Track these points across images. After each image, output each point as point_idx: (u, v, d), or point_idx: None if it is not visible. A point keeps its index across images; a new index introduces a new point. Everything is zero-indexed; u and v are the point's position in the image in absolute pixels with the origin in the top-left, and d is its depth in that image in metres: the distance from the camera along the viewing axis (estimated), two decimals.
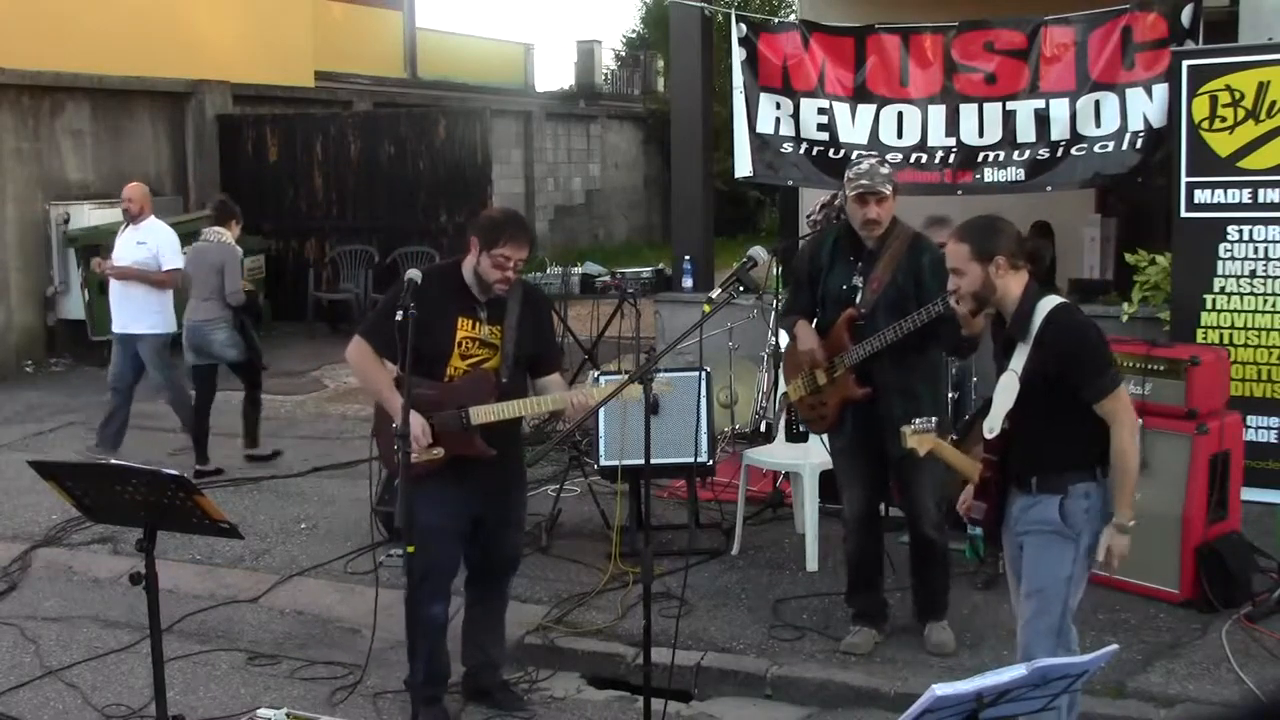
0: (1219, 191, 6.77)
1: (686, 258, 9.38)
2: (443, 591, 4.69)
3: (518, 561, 5.04)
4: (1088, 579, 4.10)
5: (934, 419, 4.19)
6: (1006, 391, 3.99)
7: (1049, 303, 3.97)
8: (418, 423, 4.44)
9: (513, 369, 4.64)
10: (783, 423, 6.71)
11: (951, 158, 8.07)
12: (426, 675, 4.59)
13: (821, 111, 8.43)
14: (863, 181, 5.05)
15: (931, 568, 5.24)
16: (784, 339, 7.70)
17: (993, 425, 4.03)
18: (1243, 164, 6.69)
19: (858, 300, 5.08)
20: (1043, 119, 7.81)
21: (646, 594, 4.19)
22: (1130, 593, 5.57)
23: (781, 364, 5.61)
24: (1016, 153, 7.92)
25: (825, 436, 5.57)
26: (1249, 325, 6.74)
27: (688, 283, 9.31)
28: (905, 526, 6.37)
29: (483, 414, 4.52)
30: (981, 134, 8.01)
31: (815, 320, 5.26)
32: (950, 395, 6.40)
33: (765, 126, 8.62)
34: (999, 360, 4.09)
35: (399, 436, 4.14)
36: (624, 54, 29.13)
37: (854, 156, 8.33)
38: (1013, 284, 3.97)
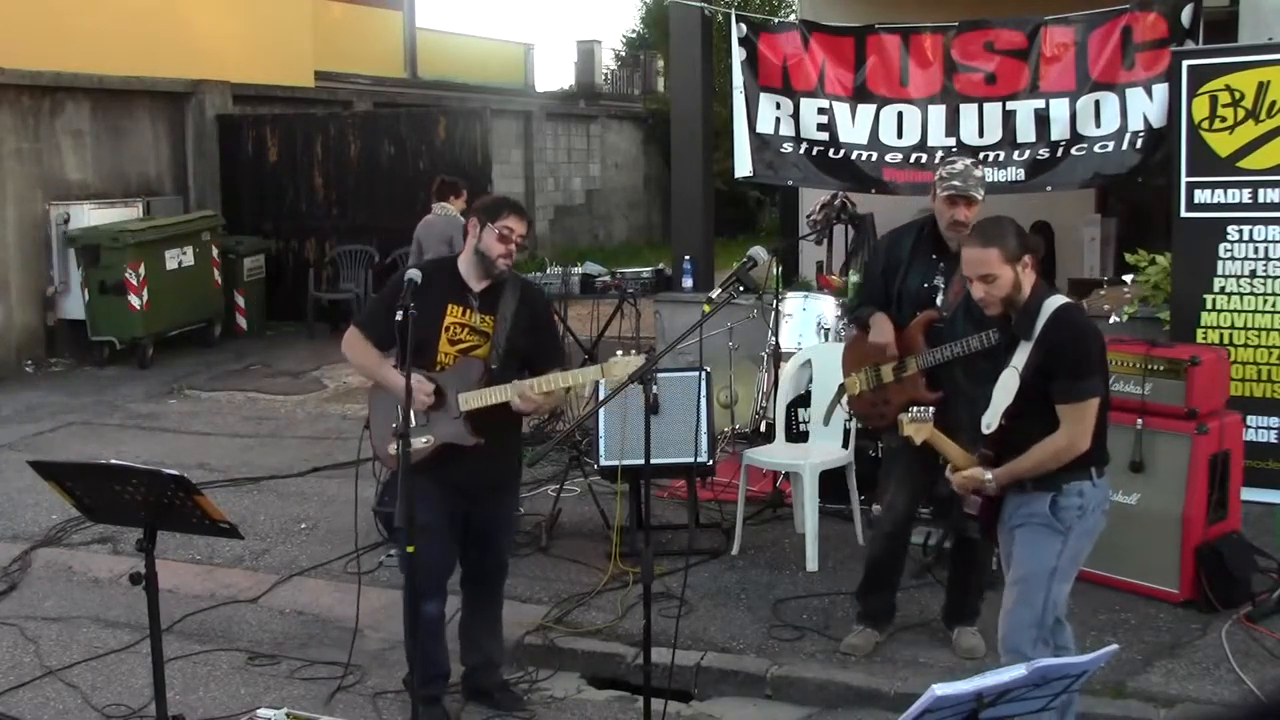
0: (1219, 191, 6.77)
1: (686, 258, 9.38)
2: (435, 590, 4.67)
3: (506, 565, 5.02)
4: (1076, 576, 4.10)
5: (930, 408, 4.15)
6: (1006, 388, 3.99)
7: (1055, 301, 3.98)
8: (416, 378, 4.41)
9: (504, 358, 4.62)
10: (782, 423, 6.71)
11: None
12: (425, 675, 4.59)
13: (821, 111, 8.43)
14: (955, 183, 4.95)
15: (971, 570, 5.22)
16: (791, 340, 7.76)
17: (990, 421, 4.03)
18: (1243, 164, 6.69)
19: (939, 301, 4.98)
20: (1043, 119, 7.82)
21: (646, 594, 4.19)
22: (1130, 593, 5.57)
23: (842, 354, 5.46)
24: (1016, 153, 7.92)
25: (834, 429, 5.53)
26: (1249, 325, 6.74)
27: (688, 283, 9.31)
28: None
29: (472, 399, 4.51)
30: (981, 134, 8.01)
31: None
32: None
33: (765, 126, 8.62)
34: (1000, 356, 4.09)
35: (399, 437, 4.14)
36: (624, 54, 29.14)
37: (857, 155, 8.39)
38: (1028, 282, 3.99)
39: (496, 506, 4.80)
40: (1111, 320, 4.95)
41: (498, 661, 5.01)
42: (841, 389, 5.37)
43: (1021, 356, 3.96)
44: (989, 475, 3.96)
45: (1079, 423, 3.88)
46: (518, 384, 4.52)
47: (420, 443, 4.47)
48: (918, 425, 4.09)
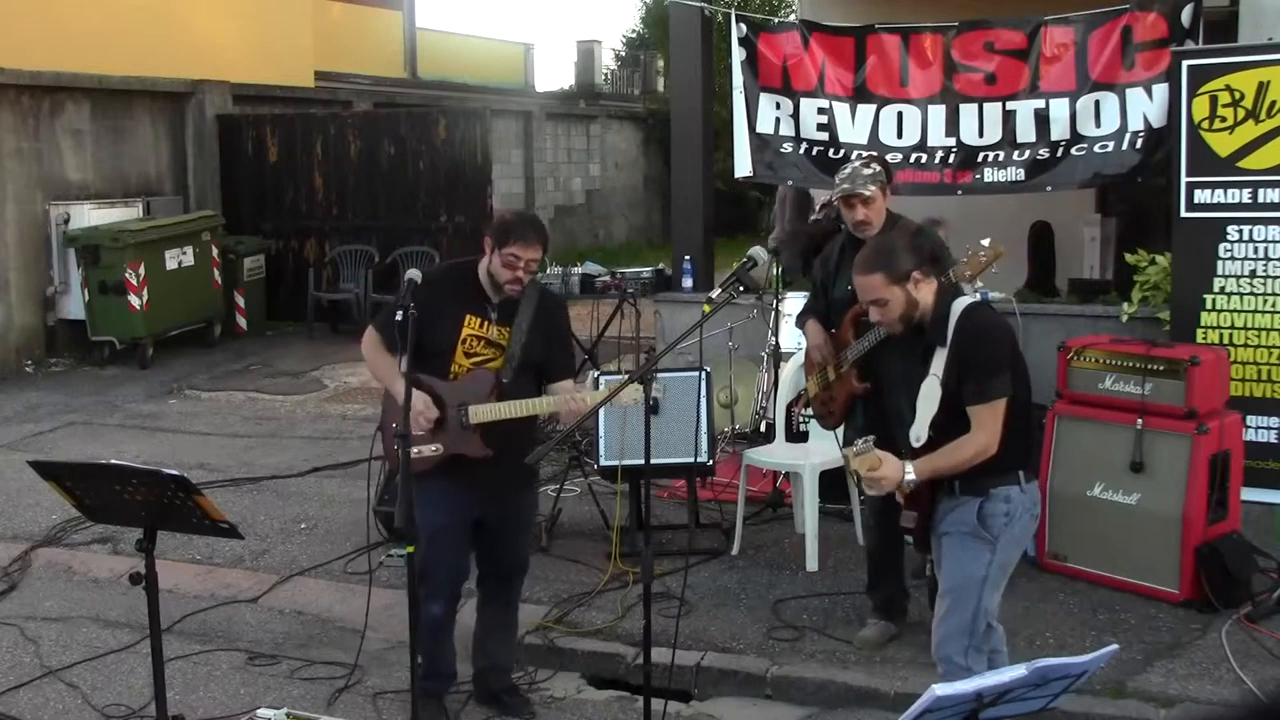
0: (1219, 191, 6.77)
1: (686, 258, 9.38)
2: (441, 592, 4.68)
3: (525, 566, 5.00)
4: (1009, 577, 4.10)
5: (871, 437, 4.06)
6: (929, 397, 3.97)
7: (961, 303, 3.99)
8: (420, 399, 4.46)
9: (516, 371, 4.61)
10: (782, 423, 6.71)
11: (951, 158, 8.08)
12: (426, 674, 4.60)
13: (821, 111, 8.43)
14: (844, 185, 5.20)
15: None
16: (791, 340, 7.77)
17: (919, 433, 3.99)
18: (1243, 164, 6.69)
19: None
20: (1043, 119, 7.82)
21: (646, 594, 4.19)
22: (1130, 593, 5.58)
23: (803, 363, 5.65)
24: (1016, 153, 7.92)
25: (839, 432, 5.59)
26: (1249, 325, 6.74)
27: (688, 283, 9.31)
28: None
29: (481, 413, 4.52)
30: (981, 134, 8.01)
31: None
32: None
33: (765, 126, 8.62)
34: (917, 368, 4.04)
35: (398, 436, 4.14)
36: (624, 54, 29.12)
37: (853, 156, 8.40)
38: (928, 293, 3.99)
39: (513, 507, 4.79)
40: (977, 285, 4.85)
41: (506, 666, 4.99)
42: (803, 393, 5.51)
43: (940, 363, 3.95)
44: (909, 471, 3.92)
45: (991, 424, 3.86)
46: (555, 399, 4.56)
47: (429, 450, 4.50)
48: (862, 459, 3.91)
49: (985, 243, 4.72)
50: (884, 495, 5.07)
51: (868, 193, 5.17)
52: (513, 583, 4.95)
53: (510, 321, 4.63)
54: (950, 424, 3.92)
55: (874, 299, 4.00)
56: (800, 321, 5.55)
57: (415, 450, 4.50)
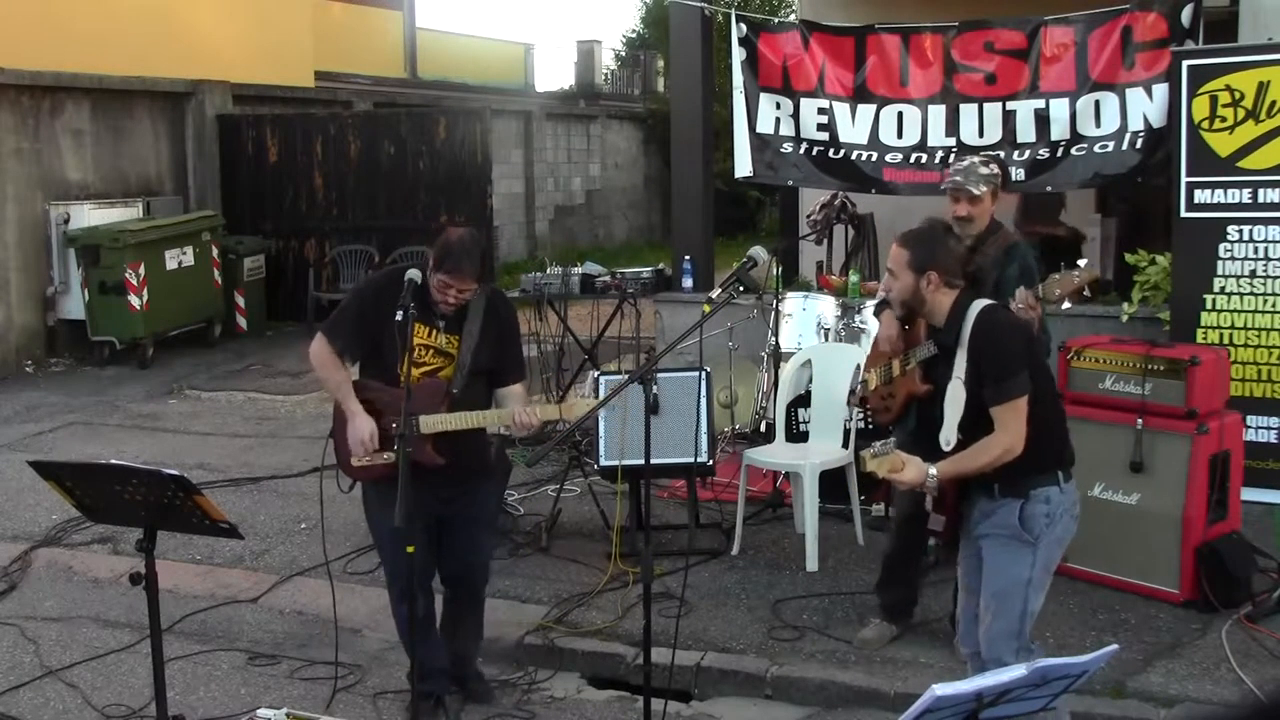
0: (1219, 191, 6.77)
1: (686, 258, 9.39)
2: (410, 592, 4.66)
3: (487, 566, 4.99)
4: (1050, 581, 4.10)
5: (891, 440, 4.09)
6: (955, 401, 3.98)
7: (977, 305, 4.00)
8: (366, 427, 4.48)
9: (467, 379, 4.57)
10: (782, 423, 6.71)
11: (952, 158, 8.05)
12: (421, 675, 4.59)
13: (821, 111, 8.44)
14: (955, 178, 5.10)
15: None
16: (791, 340, 7.77)
17: (948, 437, 4.00)
18: (1243, 164, 6.69)
19: None
20: (1043, 119, 7.82)
21: (646, 594, 4.19)
22: (1130, 593, 5.58)
23: (868, 354, 5.59)
24: (1016, 153, 7.93)
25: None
26: (1249, 325, 6.74)
27: (688, 283, 9.32)
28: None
29: (432, 423, 4.49)
30: (981, 134, 8.02)
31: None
32: None
33: (765, 126, 8.63)
34: (943, 370, 4.07)
35: (399, 436, 4.15)
36: (624, 54, 29.11)
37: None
38: (943, 299, 4.03)
39: (468, 507, 4.76)
40: (1065, 306, 4.92)
41: (472, 656, 5.01)
42: (865, 381, 5.40)
43: (961, 366, 3.97)
44: (932, 470, 3.93)
45: (1013, 423, 3.86)
46: (506, 412, 4.53)
47: (382, 458, 4.49)
48: (879, 460, 3.95)
49: (1082, 263, 4.73)
50: (914, 500, 5.08)
51: (977, 191, 5.07)
52: (474, 577, 4.93)
53: (459, 329, 4.58)
54: (975, 425, 3.93)
55: (891, 267, 4.13)
56: (878, 309, 5.39)
57: (368, 458, 4.52)
